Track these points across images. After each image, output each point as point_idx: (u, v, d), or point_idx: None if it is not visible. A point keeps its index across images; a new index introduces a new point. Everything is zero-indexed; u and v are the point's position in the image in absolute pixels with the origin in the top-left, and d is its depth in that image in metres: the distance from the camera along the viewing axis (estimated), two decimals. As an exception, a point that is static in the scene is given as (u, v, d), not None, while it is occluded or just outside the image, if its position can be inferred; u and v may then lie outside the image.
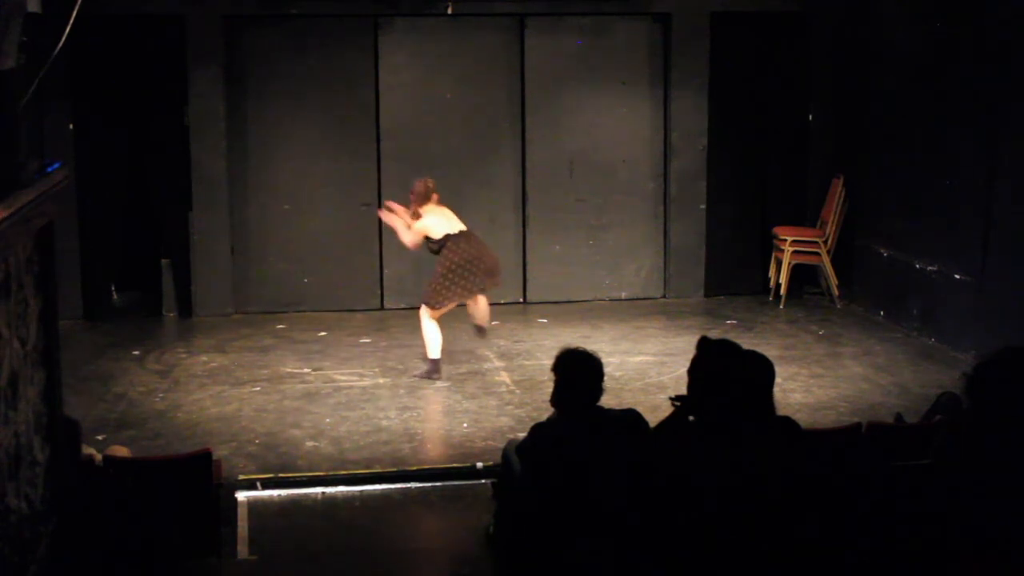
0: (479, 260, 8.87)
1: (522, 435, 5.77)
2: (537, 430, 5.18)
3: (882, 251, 10.92)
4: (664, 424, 4.93)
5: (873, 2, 11.07)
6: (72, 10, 6.68)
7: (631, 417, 5.12)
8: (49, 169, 4.67)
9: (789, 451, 4.62)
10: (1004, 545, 4.34)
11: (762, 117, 11.82)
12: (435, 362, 9.00)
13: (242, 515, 6.73)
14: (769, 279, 11.67)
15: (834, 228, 11.26)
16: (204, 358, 9.69)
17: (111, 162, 11.17)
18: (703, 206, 11.67)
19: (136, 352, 9.86)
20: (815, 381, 8.94)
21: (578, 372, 5.06)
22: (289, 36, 11.09)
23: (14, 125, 4.42)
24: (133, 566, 5.11)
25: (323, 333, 10.46)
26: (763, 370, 4.64)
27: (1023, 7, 8.90)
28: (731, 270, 11.91)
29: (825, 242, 11.24)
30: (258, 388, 8.87)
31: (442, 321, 8.99)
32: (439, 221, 8.91)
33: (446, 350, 9.85)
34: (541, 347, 9.94)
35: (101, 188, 11.04)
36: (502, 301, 11.51)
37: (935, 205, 9.99)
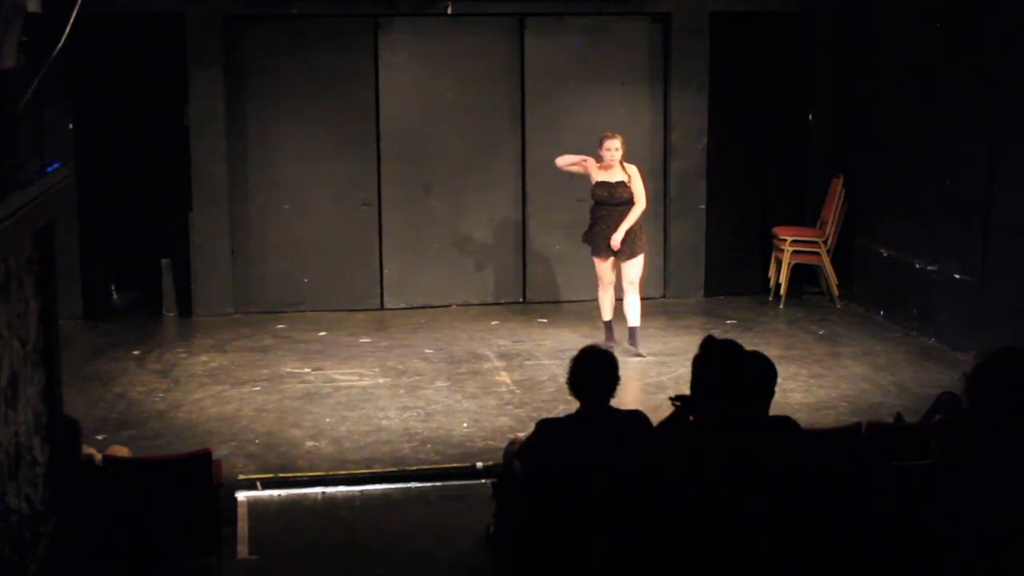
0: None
1: (523, 435, 5.78)
2: (543, 425, 5.19)
3: (882, 251, 10.92)
4: (665, 424, 4.93)
5: (873, 2, 11.07)
6: (72, 10, 6.67)
7: (637, 418, 5.14)
8: (49, 169, 4.67)
9: (789, 451, 4.62)
10: (1004, 545, 4.34)
11: (762, 117, 11.81)
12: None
13: (242, 515, 6.73)
14: (769, 279, 11.67)
15: (834, 228, 11.26)
16: (204, 358, 9.69)
17: (111, 162, 11.17)
18: (703, 206, 11.67)
19: (136, 352, 9.86)
20: (815, 381, 8.93)
21: (596, 369, 5.11)
22: (289, 36, 11.08)
23: (14, 125, 4.42)
24: (133, 566, 5.11)
25: (323, 333, 10.45)
26: (765, 371, 4.65)
27: (1023, 7, 8.90)
28: (731, 270, 11.91)
29: (825, 242, 11.24)
30: (258, 388, 8.86)
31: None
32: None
33: (446, 350, 9.87)
34: (541, 347, 9.95)
35: (101, 188, 11.04)
36: (502, 301, 11.53)
37: (935, 205, 9.99)
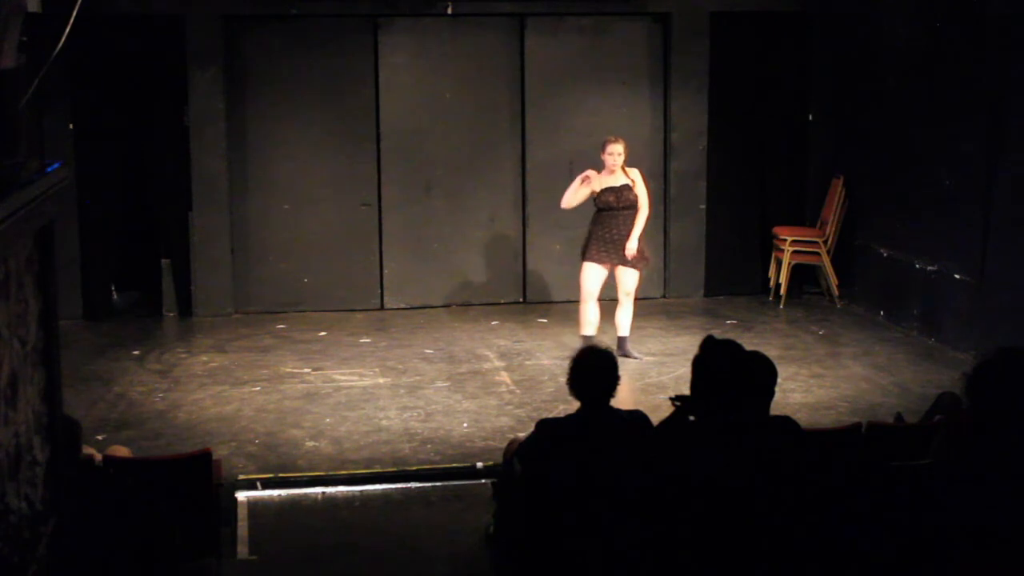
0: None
1: (523, 435, 5.78)
2: (543, 425, 5.19)
3: (882, 251, 10.92)
4: (664, 424, 4.93)
5: (873, 2, 11.07)
6: (72, 10, 6.69)
7: (637, 418, 5.14)
8: (49, 169, 4.67)
9: (789, 451, 4.62)
10: (1004, 545, 4.33)
11: (762, 117, 11.82)
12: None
13: (242, 515, 6.73)
14: (769, 279, 11.67)
15: (834, 228, 11.26)
16: (204, 358, 9.69)
17: (111, 162, 11.17)
18: (703, 206, 11.66)
19: (136, 352, 9.87)
20: (815, 381, 8.94)
21: (595, 369, 5.10)
22: (289, 36, 11.09)
23: (14, 125, 4.42)
24: (133, 566, 5.11)
25: (323, 333, 10.45)
26: (765, 371, 4.64)
27: (1023, 7, 8.90)
28: (731, 270, 11.91)
29: (825, 242, 11.24)
30: (258, 388, 8.87)
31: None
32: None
33: (446, 350, 9.87)
34: (541, 347, 9.95)
35: (101, 188, 11.04)
36: (502, 301, 11.53)
37: (935, 205, 9.99)
